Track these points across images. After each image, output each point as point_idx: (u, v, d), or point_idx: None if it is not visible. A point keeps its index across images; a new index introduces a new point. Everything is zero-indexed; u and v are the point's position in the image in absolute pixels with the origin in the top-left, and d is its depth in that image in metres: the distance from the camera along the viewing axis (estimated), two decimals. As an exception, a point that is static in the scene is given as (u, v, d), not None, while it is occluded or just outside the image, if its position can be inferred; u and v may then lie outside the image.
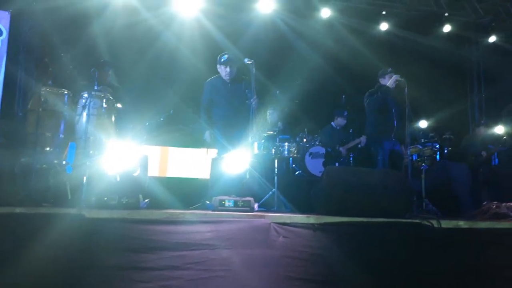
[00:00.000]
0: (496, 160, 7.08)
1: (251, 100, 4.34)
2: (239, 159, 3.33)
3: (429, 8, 8.96)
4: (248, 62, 4.48)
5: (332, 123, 6.99)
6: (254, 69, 4.47)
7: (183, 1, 7.64)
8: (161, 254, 2.59)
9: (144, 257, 2.56)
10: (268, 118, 6.50)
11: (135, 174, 2.98)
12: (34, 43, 7.47)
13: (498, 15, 9.26)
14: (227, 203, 3.02)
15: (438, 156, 7.01)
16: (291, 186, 5.56)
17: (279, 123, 5.58)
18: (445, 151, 7.89)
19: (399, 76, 4.87)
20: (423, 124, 7.66)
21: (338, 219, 2.97)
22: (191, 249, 2.65)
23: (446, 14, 9.02)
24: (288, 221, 2.89)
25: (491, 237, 3.08)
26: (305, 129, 5.96)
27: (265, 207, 5.11)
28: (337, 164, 6.42)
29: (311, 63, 8.39)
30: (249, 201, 3.08)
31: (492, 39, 9.44)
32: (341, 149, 6.56)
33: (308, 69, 8.34)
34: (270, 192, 5.25)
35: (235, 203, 3.04)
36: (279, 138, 5.32)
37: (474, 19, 9.28)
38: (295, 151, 5.40)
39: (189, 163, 5.91)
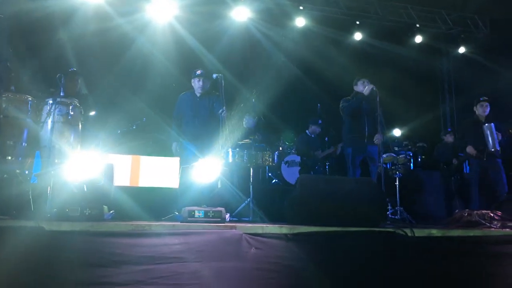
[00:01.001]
0: (467, 168, 7.23)
1: (220, 111, 4.38)
2: (209, 168, 3.23)
3: (401, 19, 9.15)
4: (216, 76, 4.49)
5: (306, 131, 6.99)
6: (223, 82, 4.48)
7: (157, 7, 7.52)
8: (125, 268, 2.45)
9: (107, 272, 2.41)
10: (244, 124, 6.44)
11: (99, 184, 2.84)
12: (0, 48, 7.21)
13: (467, 27, 9.54)
14: (196, 214, 2.90)
15: (412, 165, 7.12)
16: (266, 195, 5.47)
17: (257, 134, 5.53)
18: (419, 159, 8.03)
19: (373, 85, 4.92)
20: (397, 132, 7.75)
21: (311, 229, 2.90)
22: (157, 262, 2.52)
23: (418, 25, 9.22)
24: (260, 231, 2.80)
25: (464, 245, 3.08)
26: (281, 138, 5.91)
27: (239, 217, 5.02)
28: (312, 173, 6.39)
29: (286, 71, 8.42)
30: (220, 211, 2.97)
31: (462, 50, 9.71)
32: (318, 153, 6.54)
33: (283, 77, 8.36)
34: (245, 202, 5.16)
35: (205, 214, 2.92)
36: (254, 147, 5.24)
37: (444, 30, 9.53)
38: (270, 160, 5.32)
39: (162, 172, 5.74)
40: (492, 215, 3.72)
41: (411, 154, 6.90)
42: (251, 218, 5.00)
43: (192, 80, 5.11)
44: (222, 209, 3.01)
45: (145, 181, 5.61)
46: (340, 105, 5.18)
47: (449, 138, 7.00)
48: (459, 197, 6.27)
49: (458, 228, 3.43)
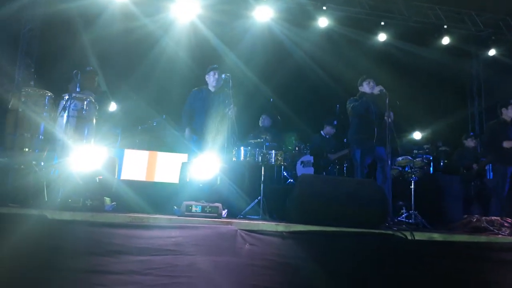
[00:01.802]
0: (491, 174, 6.99)
1: (227, 109, 4.42)
2: (209, 164, 3.29)
3: (428, 20, 8.93)
4: (225, 76, 4.56)
5: (321, 132, 6.95)
6: (231, 82, 4.53)
7: (181, 7, 7.67)
8: (121, 258, 2.54)
9: (104, 261, 2.52)
10: (261, 123, 6.49)
11: (100, 177, 2.95)
12: (33, 46, 7.57)
13: (497, 29, 9.21)
14: (194, 209, 2.97)
15: (431, 169, 6.95)
16: (278, 195, 5.49)
17: (269, 134, 5.54)
18: (441, 164, 7.83)
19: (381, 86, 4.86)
20: (417, 135, 7.58)
21: (308, 227, 2.91)
22: (153, 254, 2.60)
23: (445, 26, 8.98)
24: (256, 228, 2.84)
25: (466, 250, 3.00)
26: (292, 138, 5.91)
27: (250, 215, 5.06)
28: (324, 173, 6.35)
29: (307, 71, 8.39)
30: (217, 207, 3.03)
31: (492, 52, 9.38)
32: (329, 155, 6.50)
33: (304, 77, 8.34)
34: (255, 201, 5.20)
35: (203, 209, 2.98)
36: (266, 146, 5.26)
37: (473, 32, 9.23)
38: (282, 159, 5.34)
39: (178, 168, 5.87)
40: (502, 221, 3.61)
41: (430, 158, 6.74)
42: (261, 216, 5.04)
43: (207, 75, 5.16)
44: (219, 205, 3.06)
45: (160, 177, 5.77)
46: (347, 105, 5.13)
47: (470, 143, 6.79)
48: (478, 203, 6.07)
49: (465, 233, 3.34)
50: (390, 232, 3.01)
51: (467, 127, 9.73)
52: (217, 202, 3.08)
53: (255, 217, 5.04)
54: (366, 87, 5.13)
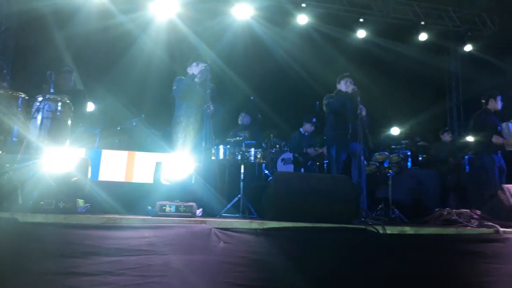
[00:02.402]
0: (467, 167, 7.15)
1: (206, 106, 4.36)
2: (184, 164, 3.30)
3: (406, 16, 9.06)
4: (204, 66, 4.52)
5: (300, 129, 7.01)
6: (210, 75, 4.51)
7: (159, 5, 7.61)
8: (95, 259, 2.54)
9: (76, 262, 2.51)
10: (240, 121, 6.48)
11: (74, 178, 2.94)
12: (8, 46, 7.44)
13: (474, 25, 9.39)
14: (168, 208, 2.98)
15: (409, 163, 7.07)
16: (259, 192, 5.52)
17: (247, 131, 5.55)
18: (420, 158, 7.96)
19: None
20: (395, 131, 7.70)
21: (282, 224, 2.95)
22: (126, 254, 2.60)
23: (423, 23, 9.12)
24: (230, 226, 2.86)
25: (436, 243, 3.08)
26: (271, 135, 5.95)
27: (230, 213, 5.08)
28: (303, 170, 6.41)
29: (287, 69, 8.44)
30: (191, 206, 3.04)
31: (468, 48, 9.56)
32: (308, 150, 6.56)
33: (284, 75, 8.39)
34: (236, 198, 5.23)
35: (177, 208, 3.00)
36: (245, 144, 5.28)
37: (450, 28, 9.40)
38: (262, 157, 5.37)
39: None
40: (471, 213, 3.71)
41: (408, 153, 6.86)
42: (240, 215, 5.07)
43: (190, 67, 4.98)
44: (193, 204, 3.08)
45: (139, 177, 5.73)
46: (324, 101, 5.20)
47: (446, 137, 6.93)
48: (454, 196, 6.22)
49: (436, 226, 3.43)
50: (362, 226, 3.07)
51: (445, 121, 9.91)
52: (192, 202, 3.09)
53: (236, 215, 5.07)
54: (343, 85, 5.20)
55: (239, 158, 5.34)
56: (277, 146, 7.16)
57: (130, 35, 7.78)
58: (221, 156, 5.31)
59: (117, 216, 2.83)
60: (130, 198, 3.45)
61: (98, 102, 6.88)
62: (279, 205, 3.23)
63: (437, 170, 6.51)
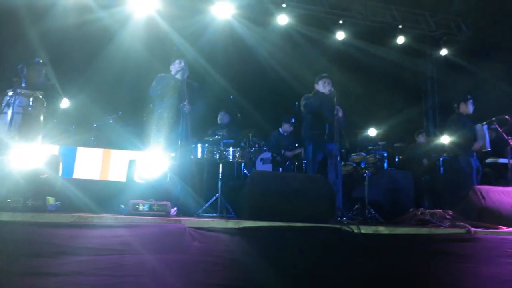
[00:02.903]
0: (441, 168, 7.30)
1: (181, 104, 4.31)
2: (158, 162, 3.25)
3: (384, 20, 9.20)
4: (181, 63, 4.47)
5: (279, 129, 7.02)
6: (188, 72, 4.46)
7: (138, 0, 7.49)
8: (64, 259, 2.47)
9: (44, 262, 2.43)
10: (219, 120, 6.43)
11: (44, 175, 2.85)
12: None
13: (449, 29, 9.61)
14: (141, 207, 2.93)
15: (386, 164, 7.18)
16: (236, 192, 5.50)
17: (225, 130, 5.52)
18: (396, 159, 8.09)
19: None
20: (372, 132, 7.80)
21: (257, 223, 2.94)
22: (97, 254, 2.53)
23: (400, 26, 9.27)
24: (205, 225, 2.83)
25: (409, 242, 3.13)
26: (249, 134, 5.93)
27: (207, 212, 5.05)
28: (281, 170, 6.42)
29: (267, 69, 8.44)
30: (165, 205, 3.00)
31: (444, 52, 9.78)
32: (287, 153, 6.58)
33: (264, 74, 8.38)
34: (214, 198, 5.19)
35: (150, 207, 2.95)
36: (223, 143, 5.25)
37: (426, 32, 9.59)
38: (240, 156, 5.35)
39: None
40: (443, 214, 3.79)
41: (385, 154, 6.96)
42: (218, 214, 5.04)
43: (172, 64, 4.90)
44: (168, 203, 3.03)
45: (115, 175, 5.62)
46: (302, 102, 5.22)
47: (421, 139, 7.06)
48: (428, 197, 6.34)
49: (408, 226, 3.48)
50: (337, 226, 3.09)
51: (421, 123, 10.10)
52: (167, 201, 3.04)
53: (213, 214, 5.04)
54: (321, 86, 5.23)
55: (217, 157, 5.30)
56: (256, 145, 7.16)
57: (108, 31, 7.62)
58: (199, 155, 5.25)
59: (88, 214, 2.76)
60: (104, 196, 3.37)
61: (73, 99, 6.73)
62: (254, 204, 3.22)
63: (412, 171, 6.62)
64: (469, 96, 6.02)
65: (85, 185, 3.68)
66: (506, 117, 5.40)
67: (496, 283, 3.16)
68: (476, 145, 5.59)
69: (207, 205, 5.12)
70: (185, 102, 4.30)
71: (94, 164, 5.65)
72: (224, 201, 5.14)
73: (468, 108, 5.91)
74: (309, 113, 5.12)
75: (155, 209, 2.95)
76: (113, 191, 3.41)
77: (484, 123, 5.56)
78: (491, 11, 8.64)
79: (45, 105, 4.07)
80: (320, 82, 5.23)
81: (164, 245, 2.67)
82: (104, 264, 2.54)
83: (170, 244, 2.69)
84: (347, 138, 4.81)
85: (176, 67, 4.84)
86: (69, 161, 5.58)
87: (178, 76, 4.71)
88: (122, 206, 2.95)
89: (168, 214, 2.99)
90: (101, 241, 2.59)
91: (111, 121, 7.06)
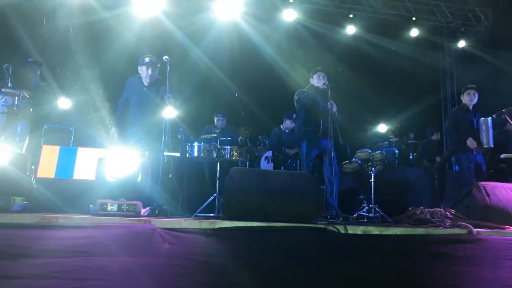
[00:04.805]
0: (457, 166, 6.92)
1: (165, 98, 4.18)
2: (129, 160, 3.11)
3: (397, 12, 8.86)
4: (165, 58, 4.34)
5: (281, 126, 6.81)
6: (168, 66, 4.34)
7: (143, 1, 7.43)
8: (24, 261, 2.35)
9: (5, 265, 2.32)
10: (216, 124, 6.25)
11: (8, 174, 2.76)
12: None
13: (467, 20, 9.18)
14: (109, 207, 2.79)
15: (397, 161, 6.87)
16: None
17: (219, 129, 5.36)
18: (410, 156, 7.76)
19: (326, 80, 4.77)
20: (382, 128, 7.48)
21: (234, 223, 2.75)
22: (61, 256, 2.41)
23: (414, 19, 8.92)
24: (177, 226, 2.67)
25: (401, 244, 2.87)
26: (247, 132, 5.74)
27: (206, 212, 4.90)
28: (282, 168, 6.21)
29: (273, 65, 8.25)
30: (135, 205, 2.85)
31: (462, 44, 9.35)
32: (288, 150, 6.36)
33: (269, 71, 8.19)
34: (211, 197, 5.04)
35: (119, 207, 2.81)
36: (220, 141, 5.08)
37: (442, 23, 9.19)
38: (238, 155, 5.17)
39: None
40: (445, 213, 3.50)
41: (395, 151, 6.66)
42: (215, 214, 4.88)
43: (140, 68, 4.72)
44: (138, 203, 2.89)
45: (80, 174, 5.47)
46: (295, 97, 4.99)
47: (435, 136, 6.72)
48: (441, 195, 6.00)
49: (403, 226, 3.22)
50: (322, 226, 2.87)
51: (437, 119, 9.66)
52: (138, 200, 2.90)
53: (211, 215, 4.88)
54: (315, 80, 4.99)
55: (215, 155, 5.14)
56: (262, 144, 6.99)
57: (114, 31, 7.61)
58: (195, 153, 5.11)
59: (52, 215, 2.64)
60: (74, 195, 3.25)
61: (74, 99, 6.71)
62: (231, 203, 3.04)
63: (425, 168, 6.29)
64: (469, 86, 5.63)
65: (56, 184, 3.58)
66: None
67: (499, 288, 2.87)
68: (470, 142, 5.21)
69: (204, 205, 4.97)
70: (169, 95, 4.17)
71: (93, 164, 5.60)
72: (220, 201, 4.97)
73: (469, 98, 5.50)
74: (302, 109, 4.89)
75: (124, 209, 2.81)
76: (83, 190, 3.27)
77: (494, 115, 5.19)
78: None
79: (32, 104, 4.01)
80: (315, 76, 5.00)
81: (132, 247, 2.52)
82: (67, 267, 2.42)
83: (138, 245, 2.54)
84: (341, 134, 4.54)
85: (143, 73, 4.71)
86: (69, 161, 5.54)
87: (145, 82, 4.68)
88: (91, 206, 2.83)
89: (138, 214, 2.85)
90: (66, 242, 2.46)
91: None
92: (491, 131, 5.19)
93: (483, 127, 5.16)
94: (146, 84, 4.66)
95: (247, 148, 5.31)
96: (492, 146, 5.18)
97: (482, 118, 5.24)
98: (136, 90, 4.66)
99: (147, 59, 4.63)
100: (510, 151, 5.46)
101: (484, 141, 5.17)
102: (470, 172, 5.15)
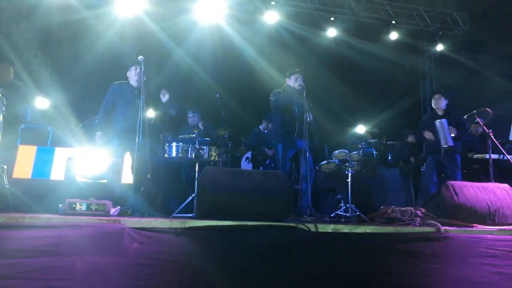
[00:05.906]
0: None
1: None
2: (98, 160, 3.09)
3: (377, 15, 8.99)
4: (140, 59, 4.34)
5: (260, 126, 6.84)
6: (143, 66, 4.33)
7: (125, 1, 7.37)
8: (-13, 262, 2.32)
9: (-32, 266, 2.29)
10: (189, 121, 6.24)
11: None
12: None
13: (445, 24, 9.36)
14: (78, 207, 2.77)
15: (374, 162, 6.96)
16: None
17: (199, 124, 5.34)
18: (389, 157, 7.85)
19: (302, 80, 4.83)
20: (360, 129, 7.57)
21: (204, 223, 2.76)
22: (26, 256, 2.38)
23: (394, 22, 9.05)
24: (147, 225, 2.67)
25: (371, 242, 2.91)
26: (225, 132, 5.74)
27: (185, 213, 4.88)
28: (261, 168, 6.24)
29: (255, 67, 8.28)
30: (105, 204, 2.84)
31: (440, 47, 9.54)
32: (266, 150, 6.39)
33: (251, 72, 8.21)
34: (189, 198, 5.02)
35: (88, 207, 2.79)
36: (198, 141, 5.07)
37: (421, 27, 9.35)
38: (216, 155, 5.16)
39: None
40: (415, 212, 3.57)
41: (373, 151, 6.74)
42: (194, 215, 4.86)
43: (128, 71, 4.74)
44: (108, 202, 2.87)
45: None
46: (271, 97, 5.02)
47: (410, 138, 6.85)
48: (415, 195, 6.11)
49: (373, 225, 3.27)
50: (293, 224, 2.90)
51: (417, 121, 9.80)
52: (108, 199, 2.89)
53: (189, 215, 4.86)
54: (292, 81, 5.03)
55: (193, 156, 5.12)
56: (243, 145, 7.00)
57: (94, 31, 7.54)
58: (174, 153, 5.08)
59: (18, 214, 2.61)
60: (45, 195, 3.21)
61: (53, 99, 6.63)
62: (202, 202, 3.05)
63: (400, 169, 6.40)
64: (438, 91, 5.91)
65: (33, 184, 3.53)
66: (487, 109, 5.15)
67: (467, 285, 2.94)
68: (427, 134, 5.48)
69: (183, 205, 4.95)
70: (142, 97, 4.13)
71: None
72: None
73: (434, 103, 5.78)
74: (278, 109, 4.92)
75: (94, 209, 2.79)
76: (54, 190, 3.23)
77: (465, 116, 5.34)
78: (487, 5, 8.38)
79: (5, 103, 3.94)
80: (292, 77, 5.03)
81: (99, 246, 2.51)
82: (33, 267, 2.39)
83: (107, 245, 2.53)
84: (316, 134, 4.59)
85: (132, 73, 4.70)
86: (47, 161, 5.47)
87: (134, 83, 4.65)
88: (60, 205, 2.80)
89: (107, 214, 2.83)
90: (31, 242, 2.43)
91: (96, 122, 6.93)
92: (447, 132, 5.35)
93: (438, 128, 5.34)
94: (135, 86, 4.63)
95: (226, 148, 5.29)
96: (452, 145, 5.33)
97: (437, 120, 5.41)
98: (124, 93, 4.64)
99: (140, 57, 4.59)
100: (483, 151, 5.60)
101: (442, 141, 5.34)
102: (428, 172, 5.43)
